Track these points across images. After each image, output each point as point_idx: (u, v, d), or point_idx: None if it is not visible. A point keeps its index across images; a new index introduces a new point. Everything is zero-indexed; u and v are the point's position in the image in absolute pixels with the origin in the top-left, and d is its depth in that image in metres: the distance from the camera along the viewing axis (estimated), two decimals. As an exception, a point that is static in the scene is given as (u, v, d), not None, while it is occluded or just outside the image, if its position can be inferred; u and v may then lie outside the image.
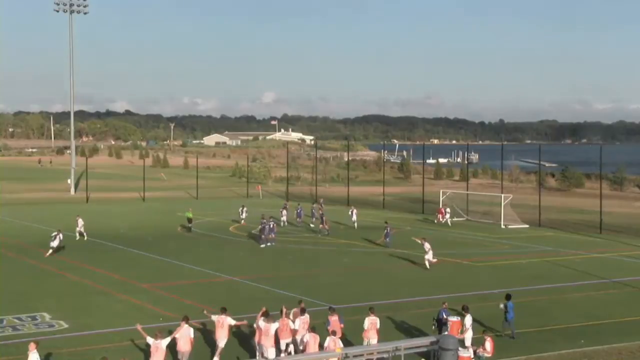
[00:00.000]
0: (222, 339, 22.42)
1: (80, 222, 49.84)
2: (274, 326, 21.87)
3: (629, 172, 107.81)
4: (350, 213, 58.29)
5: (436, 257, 39.92)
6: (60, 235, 43.52)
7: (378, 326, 23.48)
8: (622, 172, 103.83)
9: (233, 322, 22.77)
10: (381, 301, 30.80)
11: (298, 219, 58.08)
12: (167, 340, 20.35)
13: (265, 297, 32.60)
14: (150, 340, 20.32)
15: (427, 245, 39.62)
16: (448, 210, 61.60)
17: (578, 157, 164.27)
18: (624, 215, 67.58)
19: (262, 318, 22.00)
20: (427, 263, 39.30)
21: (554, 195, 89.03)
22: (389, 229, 47.63)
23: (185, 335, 21.29)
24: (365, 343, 23.17)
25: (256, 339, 22.20)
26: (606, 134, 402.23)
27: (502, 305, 26.07)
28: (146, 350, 21.78)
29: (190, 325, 21.70)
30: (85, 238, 49.10)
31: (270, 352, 21.51)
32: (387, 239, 47.19)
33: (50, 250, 42.49)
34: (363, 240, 49.90)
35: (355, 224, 57.18)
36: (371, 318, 23.52)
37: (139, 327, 21.46)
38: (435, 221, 62.50)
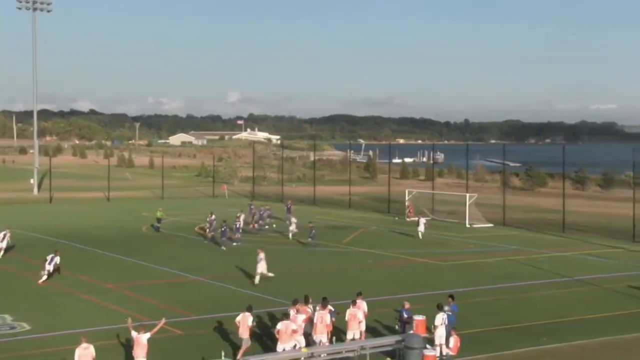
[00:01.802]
0: (322, 334, 22.92)
1: (8, 235, 42.85)
2: (300, 317, 22.98)
3: (590, 172, 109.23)
4: (287, 222, 53.90)
5: (272, 273, 35.28)
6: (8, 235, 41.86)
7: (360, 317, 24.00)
8: (584, 171, 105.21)
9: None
10: (346, 300, 30.86)
11: (260, 221, 57.45)
12: (147, 335, 20.75)
13: (231, 297, 32.53)
14: (134, 333, 20.84)
15: (261, 256, 35.14)
16: (423, 220, 52.45)
17: (542, 156, 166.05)
18: (587, 214, 68.49)
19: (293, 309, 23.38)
20: (257, 278, 35.01)
21: (518, 194, 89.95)
22: (314, 229, 47.55)
23: (245, 322, 22.73)
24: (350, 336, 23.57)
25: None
26: (569, 134, 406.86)
27: (446, 307, 24.78)
28: (106, 350, 21.77)
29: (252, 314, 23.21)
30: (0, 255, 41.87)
31: (300, 341, 22.38)
32: (311, 239, 47.14)
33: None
34: (328, 240, 49.87)
35: (290, 235, 51.12)
36: (351, 310, 24.01)
37: (129, 321, 21.86)
38: (407, 218, 63.19)
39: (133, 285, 34.63)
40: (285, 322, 22.24)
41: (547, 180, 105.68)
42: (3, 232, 42.75)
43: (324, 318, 22.97)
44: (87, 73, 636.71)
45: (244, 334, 22.77)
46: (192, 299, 31.86)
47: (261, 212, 58.31)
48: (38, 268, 38.86)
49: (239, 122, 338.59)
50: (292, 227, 51.49)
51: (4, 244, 41.98)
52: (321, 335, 22.74)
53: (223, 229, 46.79)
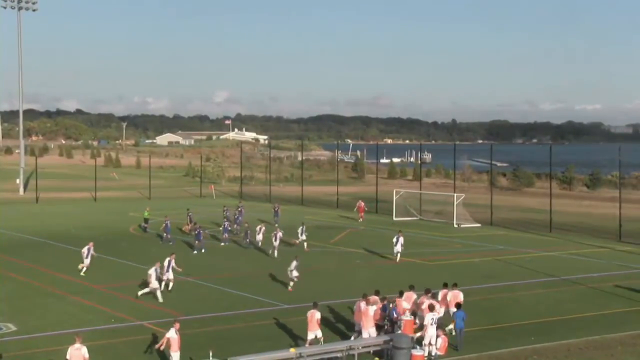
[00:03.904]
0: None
1: (92, 249, 38.45)
2: (372, 308, 24.16)
3: (577, 172, 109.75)
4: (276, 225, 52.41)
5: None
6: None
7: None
8: (571, 171, 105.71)
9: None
10: (335, 300, 30.97)
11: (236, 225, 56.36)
12: (172, 331, 21.68)
13: (218, 298, 32.50)
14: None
15: (155, 276, 32.01)
16: (401, 240, 42.68)
17: (529, 156, 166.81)
18: (573, 214, 68.80)
19: (364, 301, 24.44)
20: (171, 284, 33.22)
21: (506, 194, 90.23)
22: (249, 230, 47.53)
23: (314, 318, 23.64)
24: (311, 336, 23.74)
25: (356, 319, 24.90)
26: (556, 134, 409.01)
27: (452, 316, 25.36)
28: (94, 351, 21.78)
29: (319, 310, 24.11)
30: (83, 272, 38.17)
31: (371, 332, 23.82)
32: (247, 240, 47.15)
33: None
34: (318, 240, 49.86)
35: (276, 252, 43.61)
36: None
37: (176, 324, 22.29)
38: (360, 219, 63.31)
39: (120, 285, 34.52)
40: (311, 310, 23.69)
41: (534, 180, 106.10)
42: (87, 247, 38.06)
43: (367, 311, 23.98)
44: (73, 73, 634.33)
45: (172, 342, 21.80)
46: (179, 299, 31.76)
47: (236, 215, 57.30)
48: (24, 268, 38.77)
49: (227, 122, 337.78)
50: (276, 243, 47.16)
51: (88, 260, 37.49)
52: (368, 329, 23.92)
53: (197, 232, 46.55)
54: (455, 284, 27.95)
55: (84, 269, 37.19)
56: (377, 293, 26.27)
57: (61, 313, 29.26)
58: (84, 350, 20.04)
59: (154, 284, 31.42)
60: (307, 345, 23.27)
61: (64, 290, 33.38)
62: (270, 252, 43.47)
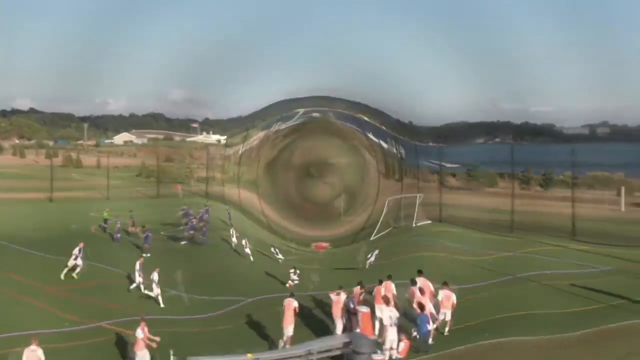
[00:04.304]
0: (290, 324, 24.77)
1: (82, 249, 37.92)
2: (343, 298, 25.49)
3: (534, 172, 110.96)
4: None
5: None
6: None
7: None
8: (530, 171, 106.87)
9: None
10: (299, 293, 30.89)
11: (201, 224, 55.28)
12: (138, 330, 22.20)
13: (177, 298, 32.24)
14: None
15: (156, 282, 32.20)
16: (376, 251, 41.87)
17: (487, 156, 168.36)
18: (529, 213, 69.37)
19: (334, 293, 25.86)
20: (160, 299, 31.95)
21: (459, 193, 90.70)
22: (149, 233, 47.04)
23: (290, 306, 24.40)
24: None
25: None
26: (515, 134, 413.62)
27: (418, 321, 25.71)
28: (48, 353, 21.57)
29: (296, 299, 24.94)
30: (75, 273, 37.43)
31: (338, 325, 24.92)
32: (202, 237, 47.58)
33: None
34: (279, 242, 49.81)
35: (251, 257, 43.50)
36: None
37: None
38: None
39: (74, 287, 34.11)
40: (288, 299, 24.32)
41: (497, 180, 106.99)
42: (78, 247, 37.32)
43: (338, 302, 24.94)
44: (25, 71, 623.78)
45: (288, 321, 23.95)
46: (139, 300, 31.43)
47: (200, 214, 56.42)
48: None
49: (194, 125, 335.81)
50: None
51: (80, 262, 36.87)
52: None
53: (145, 235, 46.07)
54: (446, 283, 28.06)
55: (77, 269, 36.66)
56: (359, 284, 26.89)
57: (13, 315, 28.76)
58: (40, 353, 19.80)
59: (155, 290, 31.40)
60: (283, 339, 23.27)
61: (17, 292, 32.79)
62: (247, 257, 42.82)
